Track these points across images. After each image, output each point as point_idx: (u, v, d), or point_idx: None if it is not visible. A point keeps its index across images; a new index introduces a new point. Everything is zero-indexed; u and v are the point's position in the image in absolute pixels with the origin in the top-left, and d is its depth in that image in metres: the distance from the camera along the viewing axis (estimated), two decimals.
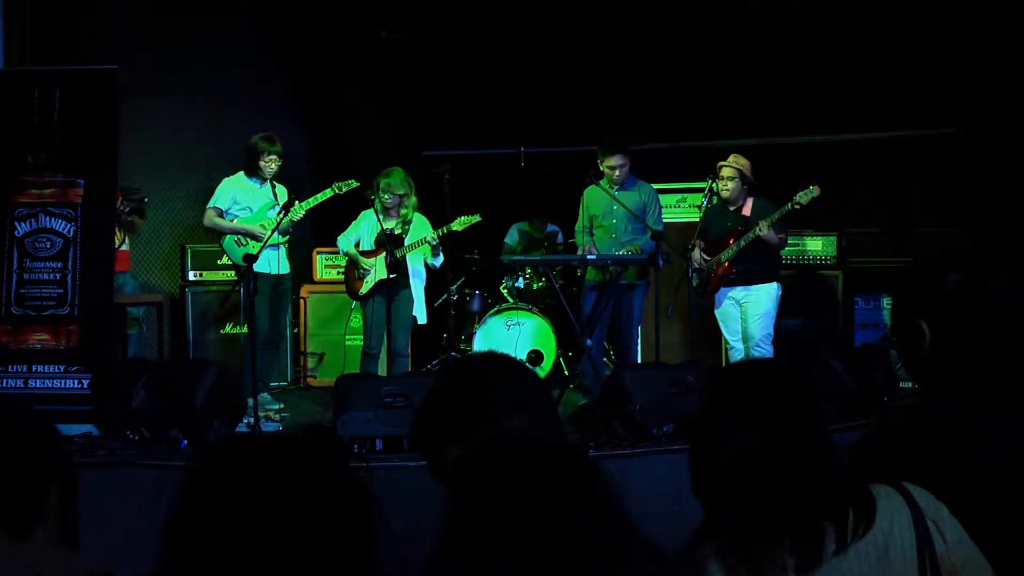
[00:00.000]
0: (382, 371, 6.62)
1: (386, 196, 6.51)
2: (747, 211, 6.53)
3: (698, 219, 6.59)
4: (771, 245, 6.38)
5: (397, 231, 6.58)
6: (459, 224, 6.60)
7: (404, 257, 6.54)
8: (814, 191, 6.27)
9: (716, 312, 6.67)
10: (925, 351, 1.90)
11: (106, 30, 7.59)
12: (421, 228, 6.64)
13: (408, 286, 6.59)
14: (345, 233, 6.79)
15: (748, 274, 6.48)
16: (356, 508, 1.31)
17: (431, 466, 1.75)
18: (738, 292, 6.55)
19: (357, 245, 6.74)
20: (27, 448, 1.89)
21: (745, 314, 6.54)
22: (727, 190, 6.48)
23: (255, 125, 7.08)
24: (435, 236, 6.49)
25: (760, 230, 6.28)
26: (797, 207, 6.33)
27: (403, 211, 6.59)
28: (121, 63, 6.17)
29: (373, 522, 1.32)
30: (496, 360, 1.87)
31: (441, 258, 6.64)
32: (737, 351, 6.64)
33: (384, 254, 6.45)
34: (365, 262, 6.63)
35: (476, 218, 6.66)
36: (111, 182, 6.00)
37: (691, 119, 8.46)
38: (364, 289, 6.65)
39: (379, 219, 6.44)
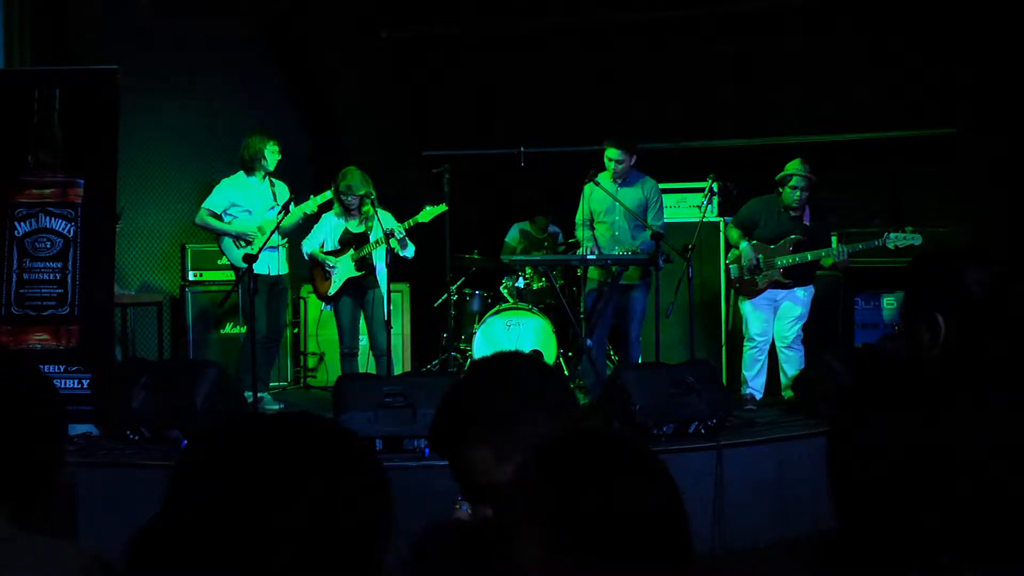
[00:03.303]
0: (363, 369, 6.66)
1: (348, 197, 6.54)
2: (806, 219, 6.55)
3: (697, 219, 6.57)
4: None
5: (360, 229, 6.64)
6: (425, 215, 6.58)
7: (371, 254, 6.55)
8: (914, 239, 6.19)
9: (746, 304, 6.68)
10: (935, 346, 1.89)
11: (106, 30, 7.59)
12: (385, 223, 6.63)
13: (376, 284, 6.60)
14: (308, 237, 6.82)
15: (793, 277, 6.52)
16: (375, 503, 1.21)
17: (450, 464, 1.75)
18: (776, 292, 6.58)
19: (322, 247, 6.76)
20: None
21: (780, 315, 6.57)
22: (796, 200, 6.45)
23: (255, 125, 7.08)
24: (402, 229, 6.48)
25: (839, 257, 6.32)
26: (892, 249, 6.28)
27: (364, 208, 6.61)
28: (121, 63, 6.18)
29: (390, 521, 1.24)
30: (516, 359, 1.87)
31: (411, 248, 6.64)
32: (756, 351, 6.64)
33: (350, 252, 6.54)
34: (330, 260, 6.66)
35: (442, 208, 6.60)
36: (111, 182, 6.00)
37: (691, 119, 8.46)
38: (332, 289, 6.69)
39: (377, 216, 6.44)
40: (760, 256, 6.54)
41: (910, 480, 1.26)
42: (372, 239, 6.58)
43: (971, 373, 1.78)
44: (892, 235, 6.25)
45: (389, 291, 6.44)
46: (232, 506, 1.12)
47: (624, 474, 1.35)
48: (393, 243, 6.43)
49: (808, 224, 6.56)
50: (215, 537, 1.12)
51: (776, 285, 6.53)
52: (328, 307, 6.86)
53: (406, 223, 6.52)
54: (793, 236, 6.50)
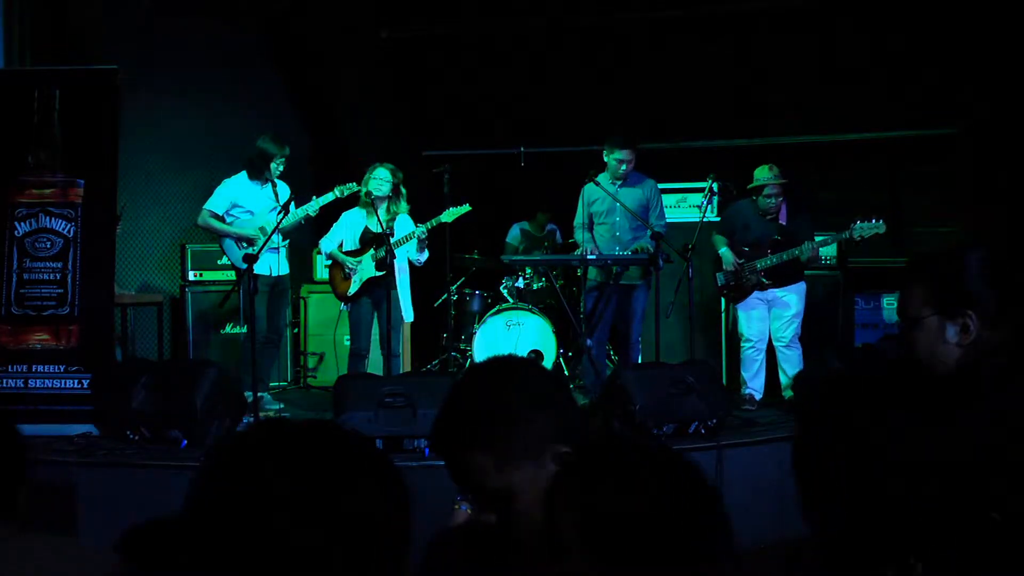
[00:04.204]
0: (372, 371, 6.61)
1: (384, 184, 6.45)
2: (783, 219, 6.57)
3: (697, 219, 6.57)
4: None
5: (379, 230, 6.52)
6: (448, 215, 6.50)
7: (393, 255, 6.50)
8: (879, 227, 6.21)
9: (739, 309, 6.69)
10: (963, 344, 1.89)
11: (106, 30, 7.59)
12: (406, 226, 6.59)
13: (394, 286, 6.47)
14: (327, 235, 6.75)
15: (778, 277, 6.53)
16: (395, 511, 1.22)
17: (450, 468, 1.75)
18: (767, 292, 6.58)
19: (340, 246, 6.70)
20: None
21: (774, 315, 6.57)
22: (771, 206, 6.52)
23: (255, 125, 7.08)
24: (424, 229, 6.42)
25: (806, 252, 6.33)
26: (858, 239, 6.29)
27: (392, 207, 6.56)
28: (121, 63, 6.17)
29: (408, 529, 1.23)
30: (515, 363, 1.87)
31: (426, 254, 6.58)
32: (754, 351, 6.63)
33: (370, 252, 6.48)
34: (350, 261, 6.60)
35: (466, 208, 6.53)
36: (111, 182, 6.00)
37: (691, 119, 8.46)
38: (352, 289, 6.60)
39: (378, 216, 6.40)
40: (742, 261, 6.58)
41: (922, 478, 1.29)
42: (395, 239, 6.47)
43: (988, 372, 1.78)
44: (858, 225, 6.24)
45: (383, 297, 6.35)
46: (254, 509, 1.12)
47: (661, 479, 1.39)
48: (411, 246, 6.41)
49: (784, 224, 6.59)
50: (235, 539, 1.12)
51: (759, 287, 6.55)
52: (347, 307, 6.81)
53: (428, 223, 6.44)
54: (771, 238, 6.54)
